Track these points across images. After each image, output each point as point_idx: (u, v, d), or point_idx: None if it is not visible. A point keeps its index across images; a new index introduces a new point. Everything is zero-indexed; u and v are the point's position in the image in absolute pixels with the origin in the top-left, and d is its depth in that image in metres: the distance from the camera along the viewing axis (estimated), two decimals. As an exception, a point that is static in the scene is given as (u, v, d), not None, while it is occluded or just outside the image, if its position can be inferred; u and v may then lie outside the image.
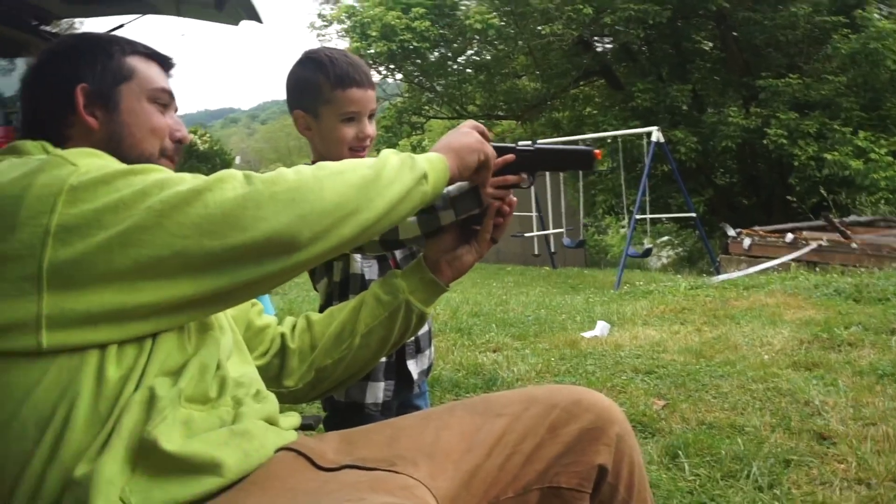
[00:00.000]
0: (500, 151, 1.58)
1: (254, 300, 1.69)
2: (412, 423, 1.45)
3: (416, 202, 1.39)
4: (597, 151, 1.62)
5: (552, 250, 15.15)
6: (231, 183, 1.21)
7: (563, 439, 1.41)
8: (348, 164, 1.33)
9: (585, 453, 1.41)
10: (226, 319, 1.46)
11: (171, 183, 1.19)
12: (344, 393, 1.97)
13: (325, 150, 1.97)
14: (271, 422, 1.37)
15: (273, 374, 1.67)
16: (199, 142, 31.75)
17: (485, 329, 6.00)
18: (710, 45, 21.63)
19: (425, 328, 2.06)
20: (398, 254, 1.99)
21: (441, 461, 1.34)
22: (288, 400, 1.70)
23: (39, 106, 1.39)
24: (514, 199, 1.66)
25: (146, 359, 1.20)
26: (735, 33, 19.46)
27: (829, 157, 15.83)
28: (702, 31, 20.83)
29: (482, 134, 1.55)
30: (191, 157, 31.01)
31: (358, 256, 1.92)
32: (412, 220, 1.65)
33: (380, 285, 1.70)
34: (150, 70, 1.45)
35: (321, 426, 2.00)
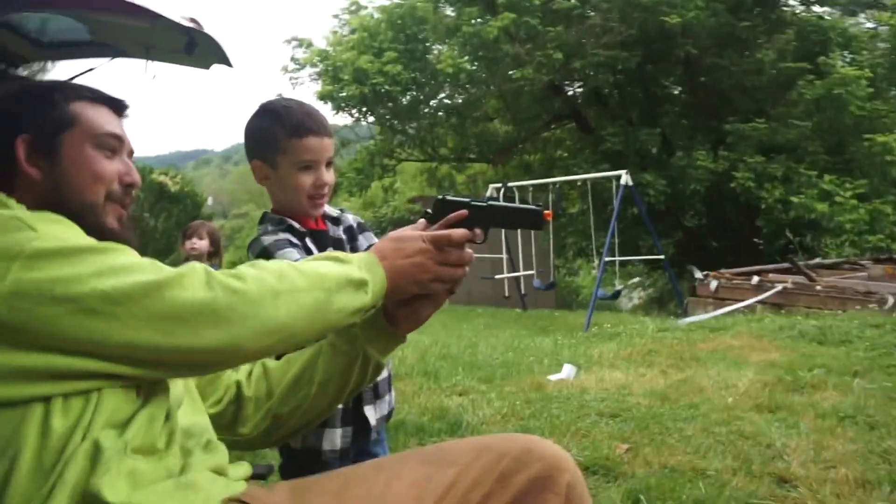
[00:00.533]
0: (455, 206, 1.60)
1: None
2: (364, 473, 1.45)
3: (347, 324, 1.46)
4: (546, 212, 1.66)
5: (523, 292, 15.17)
6: (192, 282, 1.22)
7: (512, 489, 1.41)
8: (308, 278, 1.35)
9: (535, 503, 1.41)
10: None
11: (129, 270, 1.20)
12: (300, 440, 1.96)
13: (285, 198, 1.98)
14: (220, 472, 1.36)
15: (227, 422, 1.65)
16: (170, 183, 31.58)
17: (452, 372, 6.00)
18: (679, 89, 21.91)
19: (384, 374, 2.06)
20: None
21: None
22: (243, 447, 1.69)
23: None
24: (470, 251, 1.67)
25: (92, 411, 1.20)
26: (703, 78, 19.74)
27: (795, 200, 16.03)
28: (670, 77, 21.09)
29: (438, 242, 1.55)
30: (162, 199, 30.84)
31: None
32: None
33: (337, 334, 1.67)
34: (96, 115, 1.44)
35: (275, 475, 1.99)
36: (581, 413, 4.42)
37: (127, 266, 1.21)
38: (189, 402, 1.45)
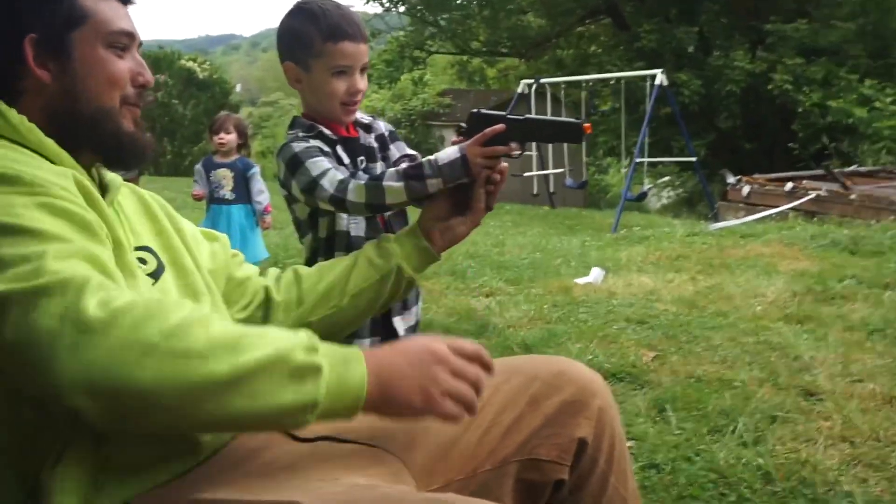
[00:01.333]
0: (491, 120, 1.57)
1: (235, 251, 1.67)
2: None
3: (280, 426, 1.17)
4: (586, 125, 1.61)
5: (551, 190, 15.09)
6: (48, 305, 0.98)
7: (543, 411, 1.40)
8: (219, 342, 1.01)
9: (566, 426, 1.39)
10: (202, 281, 1.43)
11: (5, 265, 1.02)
12: (329, 349, 1.96)
13: (317, 103, 1.93)
14: None
15: (256, 326, 1.64)
16: (198, 69, 31.42)
17: (479, 272, 5.99)
18: (720, -15, 21.33)
19: (413, 286, 2.05)
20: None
21: (419, 434, 1.33)
22: None
23: None
24: (506, 165, 1.65)
25: None
26: (745, -26, 19.20)
27: (833, 104, 15.72)
28: (712, -29, 20.54)
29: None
30: (190, 85, 30.74)
31: (344, 214, 1.90)
32: (399, 186, 1.64)
33: (373, 248, 1.68)
34: (106, 10, 1.31)
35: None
36: (608, 319, 4.42)
37: (6, 260, 1.02)
38: (212, 311, 1.42)
